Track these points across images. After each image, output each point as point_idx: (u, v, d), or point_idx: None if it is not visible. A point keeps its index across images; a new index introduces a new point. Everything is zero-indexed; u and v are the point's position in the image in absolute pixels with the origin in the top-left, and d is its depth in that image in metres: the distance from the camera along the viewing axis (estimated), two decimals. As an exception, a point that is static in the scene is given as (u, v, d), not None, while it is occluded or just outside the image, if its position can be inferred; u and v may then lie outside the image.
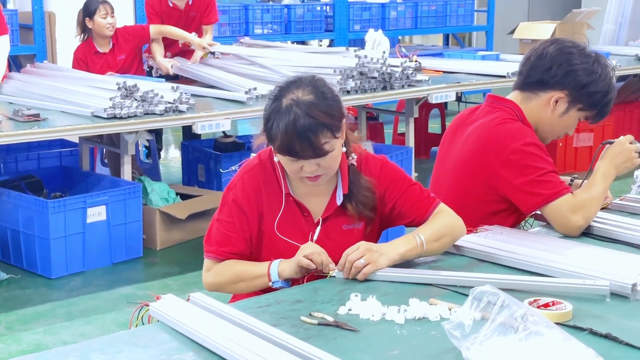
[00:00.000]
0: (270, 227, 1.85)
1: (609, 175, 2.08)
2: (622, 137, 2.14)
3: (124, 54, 4.78)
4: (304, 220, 1.86)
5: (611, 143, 2.14)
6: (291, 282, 1.80)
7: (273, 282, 1.78)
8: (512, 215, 2.11)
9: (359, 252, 1.72)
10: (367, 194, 1.85)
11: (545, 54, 2.07)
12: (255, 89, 4.17)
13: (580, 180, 2.20)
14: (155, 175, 4.91)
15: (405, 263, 1.81)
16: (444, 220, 1.85)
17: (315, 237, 1.85)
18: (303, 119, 1.71)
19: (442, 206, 1.88)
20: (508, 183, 2.04)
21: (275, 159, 1.83)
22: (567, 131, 2.17)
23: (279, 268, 1.78)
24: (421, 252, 1.80)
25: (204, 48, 4.77)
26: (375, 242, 1.91)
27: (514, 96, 2.15)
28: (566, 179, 2.20)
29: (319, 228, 1.85)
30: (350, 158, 1.87)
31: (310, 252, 1.74)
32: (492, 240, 1.92)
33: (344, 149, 1.84)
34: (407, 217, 1.88)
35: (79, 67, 4.75)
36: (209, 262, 1.86)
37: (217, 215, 1.88)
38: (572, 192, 2.04)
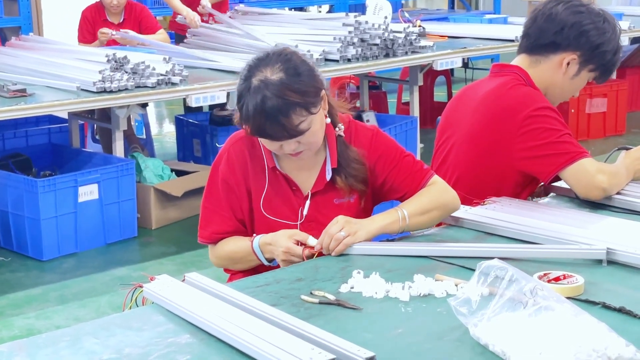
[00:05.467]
0: (258, 202, 1.81)
1: (631, 170, 2.02)
2: None
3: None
4: (292, 194, 1.82)
5: (627, 149, 2.09)
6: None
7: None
8: (526, 189, 2.05)
9: (339, 225, 1.69)
10: (357, 166, 1.81)
11: (554, 14, 2.01)
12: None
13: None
14: (149, 151, 4.83)
15: (409, 237, 1.76)
16: (433, 193, 1.80)
17: (305, 212, 1.81)
18: (272, 100, 1.65)
19: (436, 178, 1.84)
20: (526, 150, 1.97)
21: None
22: (575, 93, 2.13)
23: (262, 251, 1.76)
24: (404, 227, 1.76)
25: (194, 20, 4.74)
26: (370, 216, 1.86)
27: (519, 60, 2.09)
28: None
29: (308, 202, 1.81)
30: (337, 129, 1.82)
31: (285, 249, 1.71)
32: (499, 212, 1.87)
33: (328, 120, 1.78)
34: (399, 191, 1.84)
35: (85, 26, 4.74)
36: (208, 246, 1.88)
37: (204, 194, 1.86)
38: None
